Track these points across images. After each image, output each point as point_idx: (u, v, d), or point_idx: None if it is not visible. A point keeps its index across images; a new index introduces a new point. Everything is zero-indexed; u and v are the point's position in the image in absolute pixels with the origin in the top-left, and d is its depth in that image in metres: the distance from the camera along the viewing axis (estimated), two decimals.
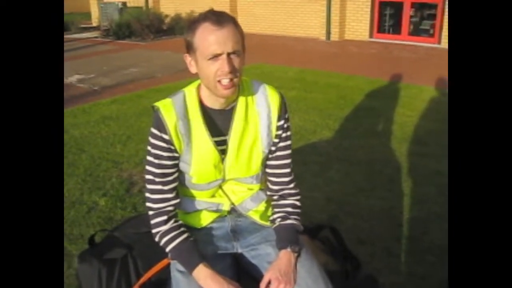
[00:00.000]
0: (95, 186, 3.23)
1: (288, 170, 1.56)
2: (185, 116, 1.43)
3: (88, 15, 15.56)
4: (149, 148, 1.45)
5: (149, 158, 1.46)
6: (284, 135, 1.53)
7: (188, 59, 1.41)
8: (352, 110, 5.04)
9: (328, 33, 10.50)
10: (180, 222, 1.50)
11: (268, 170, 1.57)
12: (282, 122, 1.51)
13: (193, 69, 1.41)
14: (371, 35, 10.25)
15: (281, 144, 1.53)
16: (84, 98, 5.74)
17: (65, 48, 8.96)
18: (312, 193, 3.04)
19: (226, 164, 1.48)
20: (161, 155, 1.43)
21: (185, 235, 1.45)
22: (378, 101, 5.41)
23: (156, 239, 1.48)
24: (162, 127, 1.41)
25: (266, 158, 1.55)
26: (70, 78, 6.93)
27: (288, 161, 1.56)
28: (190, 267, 1.38)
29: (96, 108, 5.26)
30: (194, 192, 1.55)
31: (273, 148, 1.53)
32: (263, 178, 1.60)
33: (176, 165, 1.47)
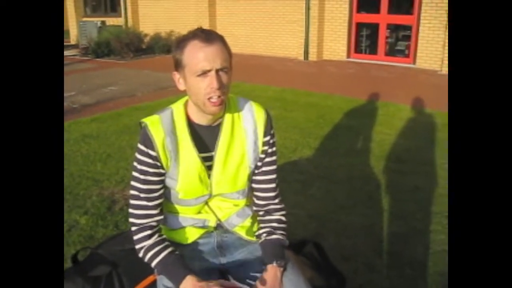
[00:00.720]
0: (75, 205, 3.18)
1: (273, 185, 1.58)
2: (172, 132, 1.44)
3: (66, 33, 15.44)
4: (135, 163, 1.46)
5: (135, 173, 1.46)
6: (270, 150, 1.56)
7: (176, 76, 1.43)
8: (332, 129, 5.11)
9: (306, 53, 10.67)
10: (164, 236, 1.50)
11: (254, 185, 1.59)
12: (268, 137, 1.54)
13: (181, 87, 1.43)
14: (348, 55, 10.46)
15: (267, 159, 1.56)
16: (64, 116, 5.66)
17: None
18: (294, 211, 3.06)
19: (213, 179, 1.49)
20: (147, 171, 1.44)
21: (170, 249, 1.45)
22: (356, 119, 5.51)
23: (140, 254, 1.46)
24: (149, 143, 1.42)
25: (252, 174, 1.57)
26: None
27: (273, 176, 1.58)
28: (177, 280, 1.37)
29: (76, 126, 5.20)
30: (180, 208, 1.55)
31: (259, 164, 1.55)
32: (249, 194, 1.61)
33: (162, 181, 1.48)
